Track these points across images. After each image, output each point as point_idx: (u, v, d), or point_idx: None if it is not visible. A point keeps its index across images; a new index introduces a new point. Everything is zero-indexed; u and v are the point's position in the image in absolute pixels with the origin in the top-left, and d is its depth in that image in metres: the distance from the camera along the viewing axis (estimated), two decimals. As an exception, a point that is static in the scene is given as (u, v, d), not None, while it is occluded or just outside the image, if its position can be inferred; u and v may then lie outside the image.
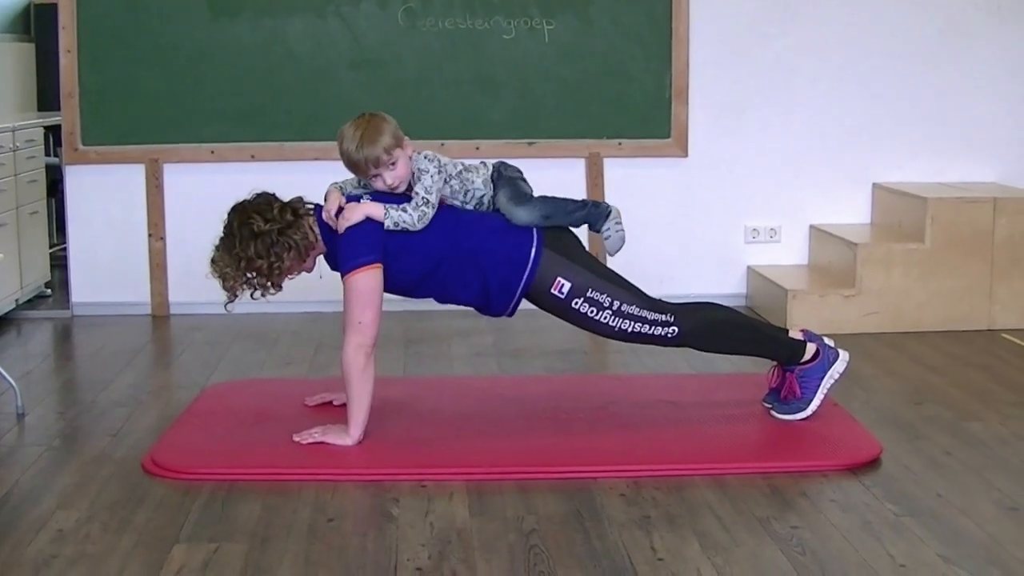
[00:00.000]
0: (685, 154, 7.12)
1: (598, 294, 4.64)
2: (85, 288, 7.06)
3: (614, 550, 3.68)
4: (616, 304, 4.65)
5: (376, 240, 4.51)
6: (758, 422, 4.84)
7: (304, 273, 4.71)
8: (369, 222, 4.51)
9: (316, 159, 6.84)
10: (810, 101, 7.18)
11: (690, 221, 7.16)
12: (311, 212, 4.65)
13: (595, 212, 4.76)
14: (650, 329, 4.69)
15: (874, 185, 7.24)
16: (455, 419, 4.89)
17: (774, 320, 6.59)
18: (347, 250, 4.52)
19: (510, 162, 4.85)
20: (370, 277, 4.49)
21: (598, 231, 4.79)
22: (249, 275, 4.57)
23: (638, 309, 4.67)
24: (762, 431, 4.76)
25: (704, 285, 7.08)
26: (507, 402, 5.11)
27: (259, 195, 4.67)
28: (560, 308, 4.67)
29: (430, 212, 4.55)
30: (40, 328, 6.79)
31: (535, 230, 4.66)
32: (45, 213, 7.67)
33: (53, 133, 7.90)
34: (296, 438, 4.54)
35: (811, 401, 4.80)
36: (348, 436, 4.51)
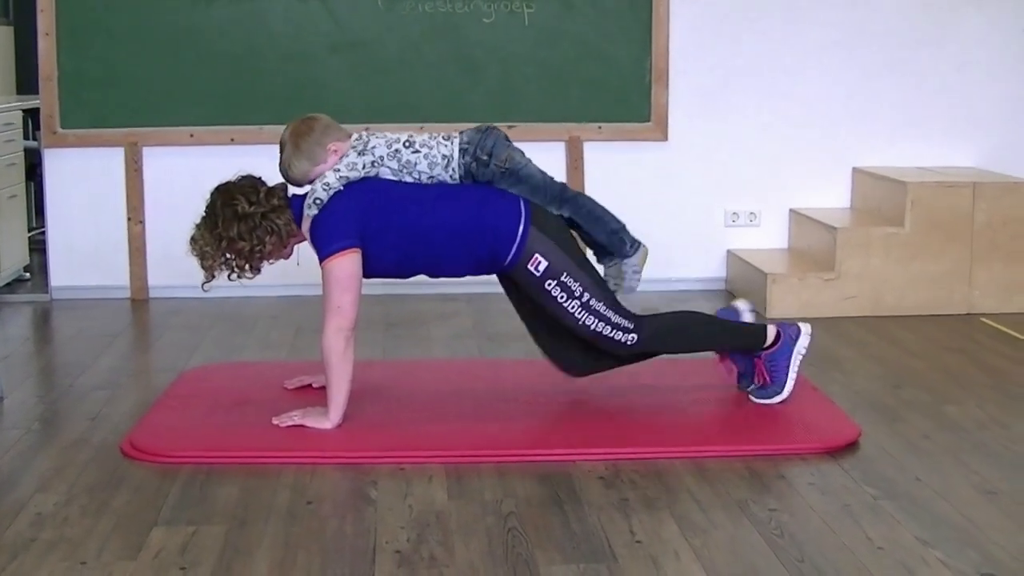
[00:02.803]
0: (665, 138, 7.12)
1: (572, 281, 4.62)
2: (64, 272, 7.03)
3: (592, 533, 3.68)
4: (586, 296, 4.63)
5: (351, 225, 4.51)
6: (736, 405, 4.85)
7: (282, 259, 4.72)
8: (343, 208, 4.52)
9: (296, 142, 6.83)
10: (790, 85, 7.18)
11: (670, 205, 7.16)
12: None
13: (624, 239, 4.78)
14: (611, 332, 4.66)
15: (854, 169, 7.25)
16: (434, 402, 4.89)
17: (755, 303, 6.60)
18: (323, 236, 4.51)
19: (462, 133, 4.74)
20: (347, 262, 4.48)
21: (618, 260, 4.78)
22: (228, 256, 4.57)
23: (605, 308, 4.65)
24: (740, 414, 4.77)
25: (684, 269, 7.09)
26: (486, 385, 5.11)
27: (244, 177, 4.67)
28: (532, 286, 4.64)
29: (326, 187, 4.55)
30: (19, 312, 6.77)
31: (522, 203, 4.64)
32: (24, 197, 7.65)
33: (32, 116, 7.87)
34: (276, 421, 4.54)
35: (785, 383, 4.80)
36: (327, 419, 4.51)
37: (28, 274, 7.56)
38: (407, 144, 4.64)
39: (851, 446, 4.43)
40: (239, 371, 5.41)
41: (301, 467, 4.20)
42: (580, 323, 4.66)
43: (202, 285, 4.66)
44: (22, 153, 7.60)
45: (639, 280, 4.81)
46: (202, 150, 6.91)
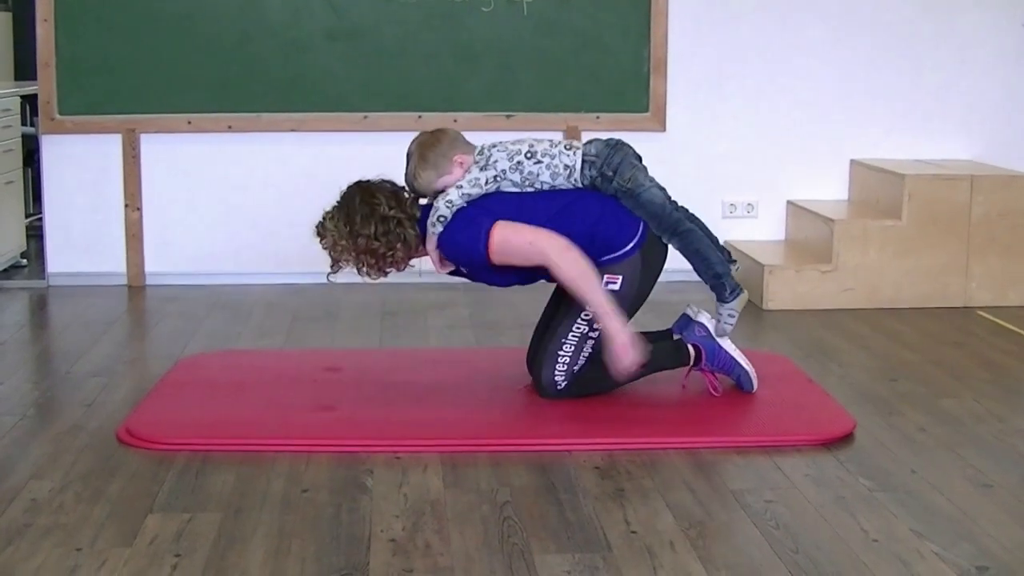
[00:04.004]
0: (663, 128, 7.11)
1: None
2: (61, 258, 7.03)
3: (587, 523, 3.68)
4: (592, 336, 4.66)
5: (483, 217, 4.52)
6: (732, 396, 4.84)
7: (395, 270, 4.71)
8: (465, 216, 4.54)
9: (293, 130, 6.83)
10: (788, 76, 7.17)
11: (668, 196, 7.14)
12: None
13: (725, 285, 4.84)
14: (563, 365, 4.68)
15: (852, 161, 7.25)
16: (430, 391, 4.89)
17: (752, 295, 6.60)
18: (464, 238, 4.53)
19: (589, 143, 4.75)
20: (499, 233, 4.48)
21: (722, 301, 4.84)
22: (359, 254, 4.57)
23: (586, 354, 4.69)
24: (736, 405, 4.77)
25: (680, 260, 7.05)
26: (482, 374, 5.11)
27: (385, 180, 4.66)
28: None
29: (449, 205, 4.55)
30: (15, 298, 6.76)
31: (641, 228, 4.68)
32: (21, 183, 7.64)
33: (30, 102, 7.86)
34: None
35: (740, 368, 4.83)
36: (616, 322, 4.52)
37: (25, 260, 7.55)
38: (529, 155, 4.64)
39: (847, 438, 4.43)
40: (235, 359, 5.40)
41: (296, 455, 4.20)
42: (562, 341, 4.68)
43: (328, 276, 4.69)
44: (19, 139, 7.59)
45: (734, 324, 4.84)
46: (200, 137, 6.90)
